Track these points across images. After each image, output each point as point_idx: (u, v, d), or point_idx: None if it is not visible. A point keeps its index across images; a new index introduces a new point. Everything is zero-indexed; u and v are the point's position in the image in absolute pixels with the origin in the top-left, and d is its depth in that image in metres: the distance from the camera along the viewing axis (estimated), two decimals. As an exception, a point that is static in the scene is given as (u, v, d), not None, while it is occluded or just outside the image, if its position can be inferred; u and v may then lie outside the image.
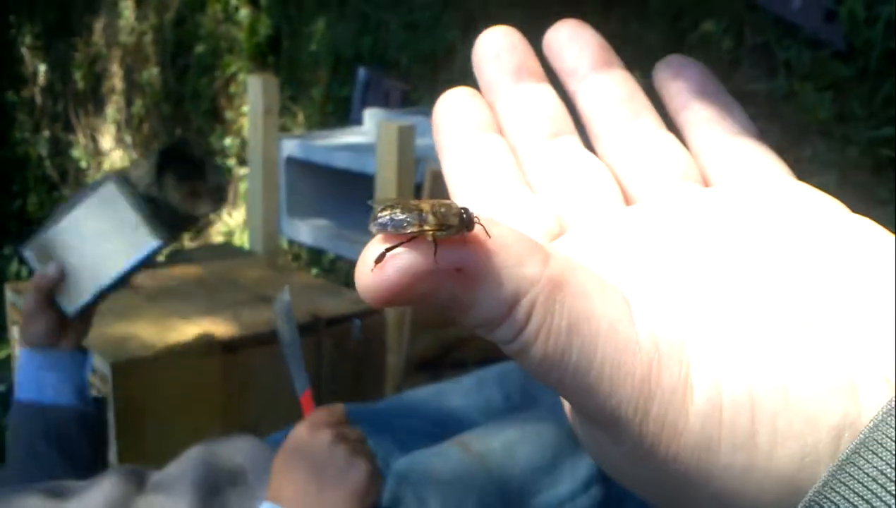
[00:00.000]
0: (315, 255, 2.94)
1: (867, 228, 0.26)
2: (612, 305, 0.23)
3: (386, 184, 1.87)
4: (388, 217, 0.23)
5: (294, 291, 1.12)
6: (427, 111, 2.49)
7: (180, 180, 1.32)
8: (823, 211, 0.27)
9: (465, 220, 0.23)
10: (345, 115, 2.84)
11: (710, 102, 0.32)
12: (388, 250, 0.22)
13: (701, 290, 0.25)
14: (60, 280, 1.20)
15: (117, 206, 1.21)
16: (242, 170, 3.51)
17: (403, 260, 0.22)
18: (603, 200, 0.30)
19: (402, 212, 0.23)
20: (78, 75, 4.71)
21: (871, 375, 0.23)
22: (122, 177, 1.23)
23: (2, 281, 5.45)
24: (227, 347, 1.70)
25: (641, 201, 0.31)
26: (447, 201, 0.24)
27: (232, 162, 3.56)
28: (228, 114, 3.57)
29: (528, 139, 0.32)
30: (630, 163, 0.32)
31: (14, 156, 5.48)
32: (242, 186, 3.52)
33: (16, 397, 1.19)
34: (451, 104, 0.32)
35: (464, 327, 0.24)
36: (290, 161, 2.25)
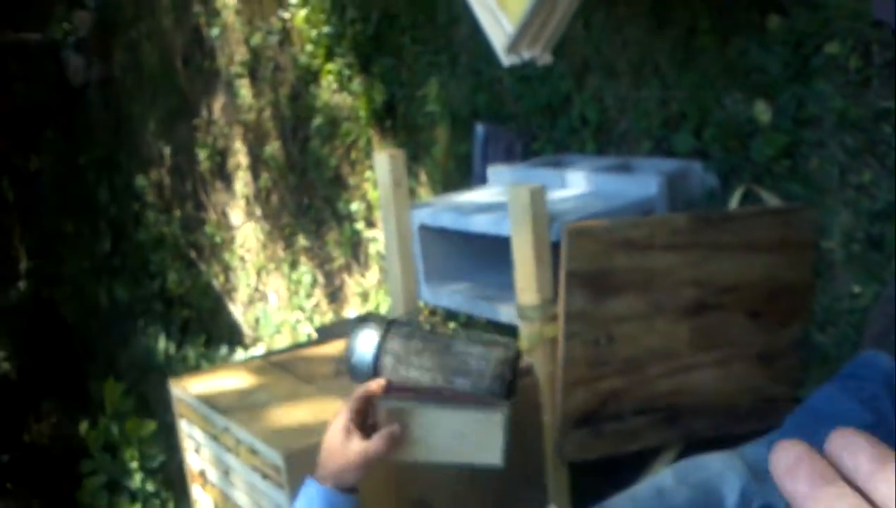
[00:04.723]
0: (451, 311, 2.98)
1: None
2: None
3: (522, 246, 1.89)
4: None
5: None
6: (551, 161, 2.50)
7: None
8: None
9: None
10: (466, 172, 2.88)
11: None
12: None
13: None
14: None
15: (491, 434, 1.28)
16: (370, 233, 3.59)
17: None
18: None
19: None
20: (202, 155, 4.92)
21: None
22: (507, 414, 1.28)
23: (153, 362, 5.67)
24: (390, 425, 1.72)
25: None
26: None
27: (360, 225, 3.65)
28: (352, 180, 3.66)
29: None
30: None
31: (150, 237, 5.75)
32: (372, 248, 3.60)
33: None
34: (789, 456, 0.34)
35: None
36: (423, 228, 2.29)
